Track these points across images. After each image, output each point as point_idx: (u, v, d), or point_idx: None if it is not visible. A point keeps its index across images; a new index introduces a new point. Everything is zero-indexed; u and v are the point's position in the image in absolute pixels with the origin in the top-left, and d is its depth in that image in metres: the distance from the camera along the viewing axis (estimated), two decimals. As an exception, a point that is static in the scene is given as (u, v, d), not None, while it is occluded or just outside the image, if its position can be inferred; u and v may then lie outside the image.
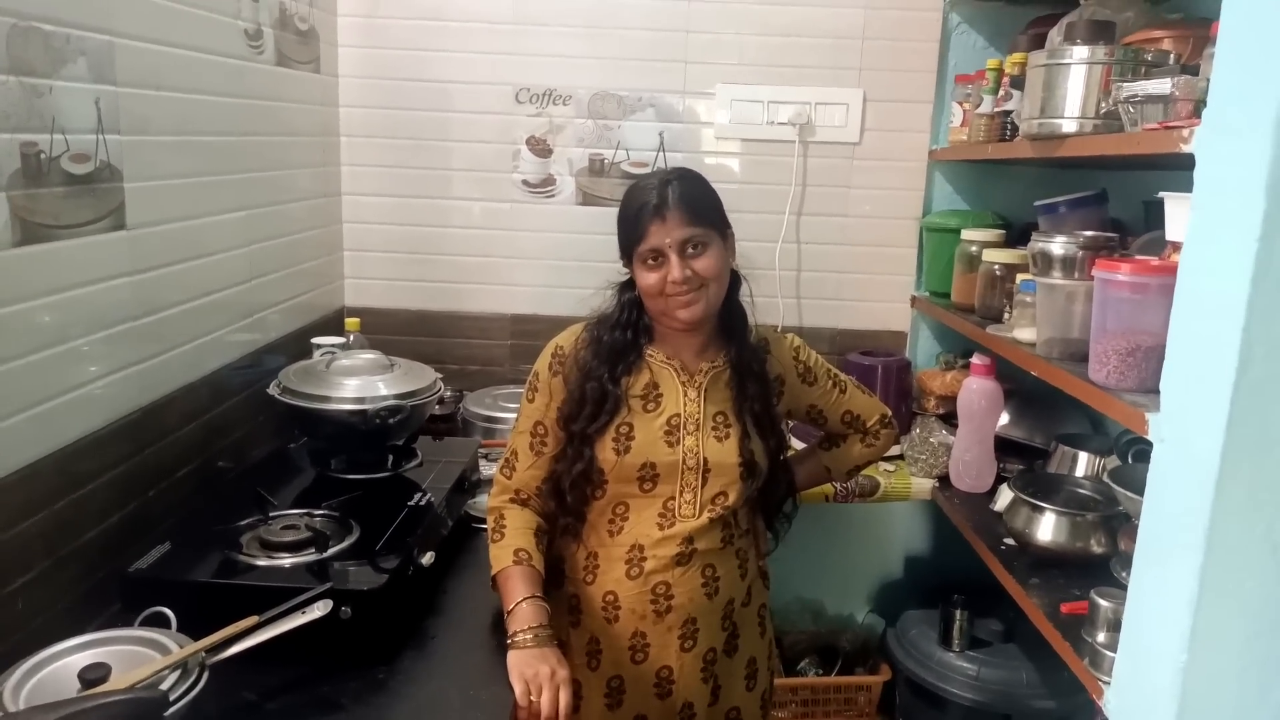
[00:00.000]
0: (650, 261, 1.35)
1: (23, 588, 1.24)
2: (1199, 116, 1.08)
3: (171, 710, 1.03)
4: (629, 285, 1.43)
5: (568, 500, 1.39)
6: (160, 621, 1.22)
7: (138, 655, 1.12)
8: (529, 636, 1.25)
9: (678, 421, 1.38)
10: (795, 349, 1.51)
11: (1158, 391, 1.11)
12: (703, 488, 1.37)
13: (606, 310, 1.45)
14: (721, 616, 1.41)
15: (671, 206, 1.33)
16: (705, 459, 1.37)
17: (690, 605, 1.37)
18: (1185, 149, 1.06)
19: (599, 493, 1.39)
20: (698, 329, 1.40)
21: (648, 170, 2.38)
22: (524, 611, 1.28)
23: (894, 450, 2.23)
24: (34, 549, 1.26)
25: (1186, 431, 1.05)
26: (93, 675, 1.06)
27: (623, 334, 1.41)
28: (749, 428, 1.41)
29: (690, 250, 1.34)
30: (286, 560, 1.38)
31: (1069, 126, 1.49)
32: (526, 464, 1.42)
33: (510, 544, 1.36)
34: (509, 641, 1.26)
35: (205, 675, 1.11)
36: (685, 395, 1.40)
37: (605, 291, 1.46)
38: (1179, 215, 1.20)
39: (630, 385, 1.39)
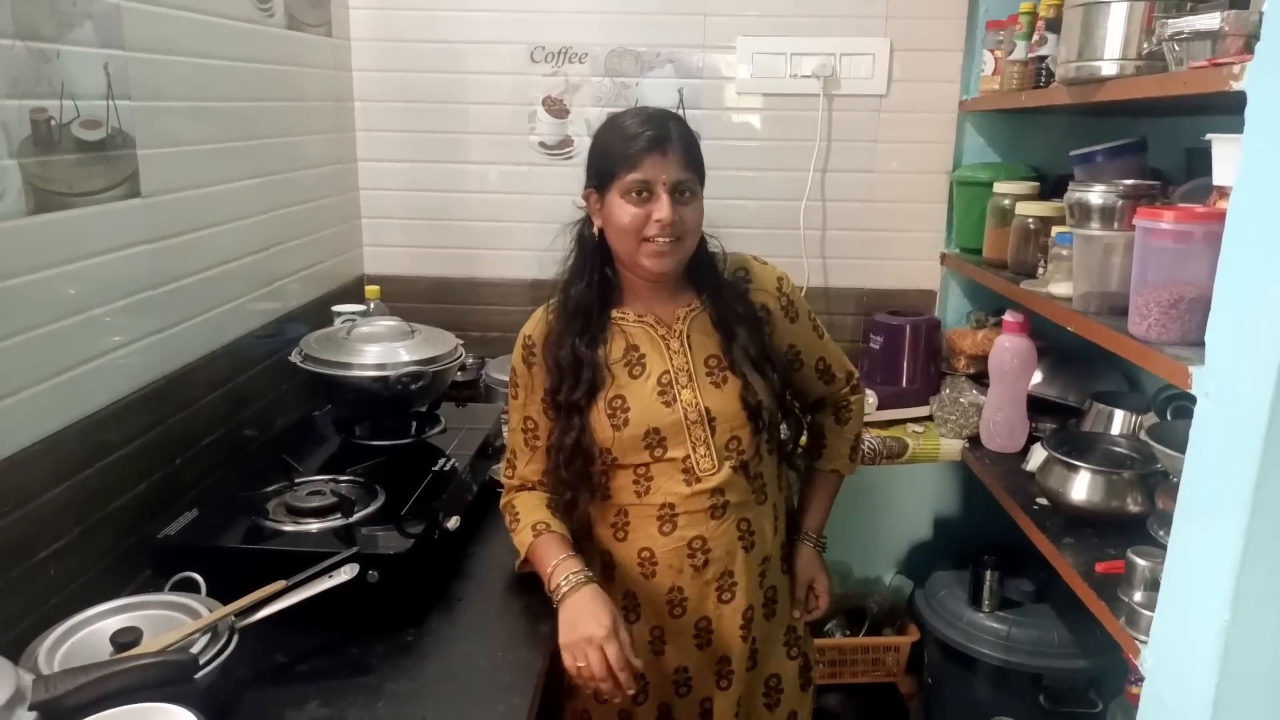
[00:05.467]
0: (635, 194, 1.26)
1: (54, 555, 1.25)
2: (1250, 52, 1.02)
3: (202, 672, 1.04)
4: (587, 224, 1.35)
5: (563, 474, 1.35)
6: (190, 587, 1.23)
7: (169, 619, 1.14)
8: (566, 586, 1.25)
9: (669, 379, 1.34)
10: (779, 279, 1.43)
11: (1201, 344, 1.07)
12: (713, 438, 1.33)
13: (569, 266, 1.38)
14: (759, 573, 1.39)
15: (674, 142, 1.27)
16: (707, 409, 1.33)
17: (727, 558, 1.35)
18: (1236, 86, 1.00)
19: (610, 473, 1.35)
20: (663, 280, 1.35)
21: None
22: (560, 568, 1.27)
23: (923, 411, 2.20)
24: (63, 517, 1.27)
25: (1233, 385, 1.01)
26: (125, 639, 1.08)
27: (588, 289, 1.35)
28: (745, 372, 1.35)
29: (680, 196, 1.28)
30: (313, 525, 1.38)
31: (1109, 69, 1.43)
32: (525, 459, 1.41)
33: (528, 523, 1.35)
34: (556, 603, 1.26)
35: (235, 638, 1.12)
36: (669, 349, 1.35)
37: (562, 236, 1.38)
38: (1228, 158, 1.15)
39: (608, 353, 1.35)
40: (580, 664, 1.21)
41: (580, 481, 1.36)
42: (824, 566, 1.54)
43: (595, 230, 1.34)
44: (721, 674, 1.40)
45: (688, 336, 1.36)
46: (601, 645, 1.20)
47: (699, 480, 1.33)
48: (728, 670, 1.40)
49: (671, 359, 1.34)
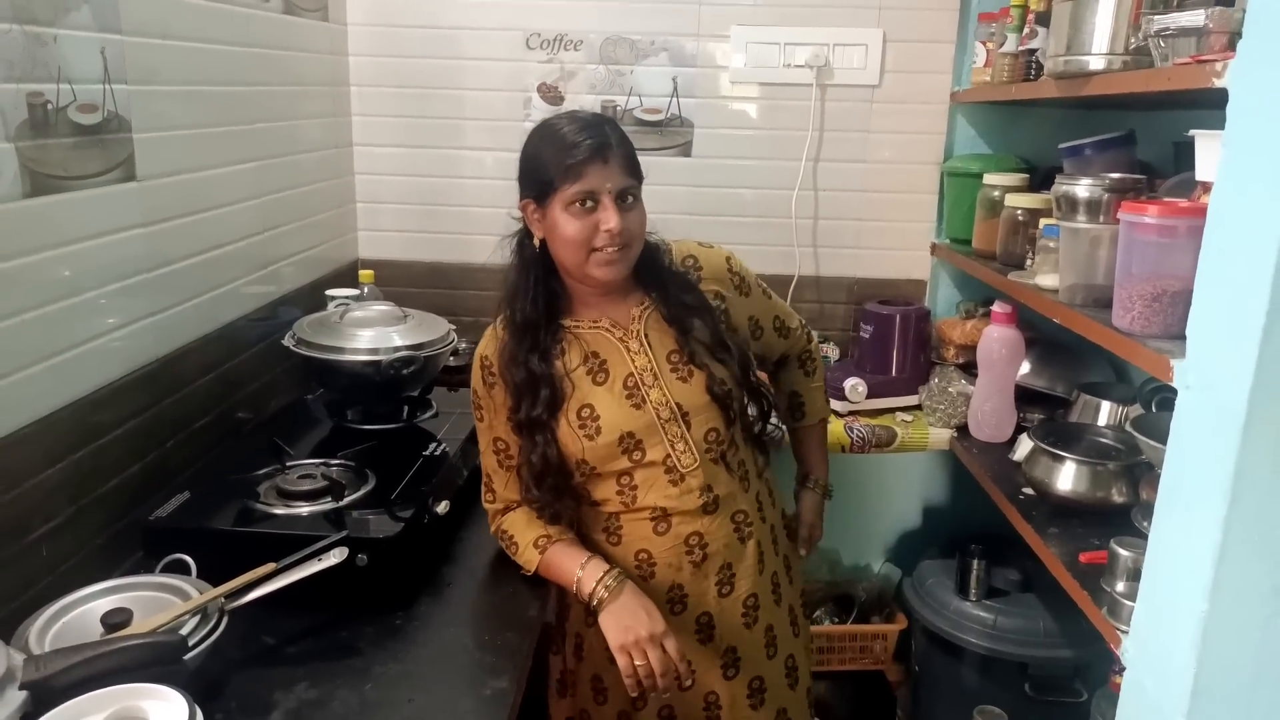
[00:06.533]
0: (580, 205, 1.23)
1: (46, 535, 1.26)
2: (1233, 49, 1.03)
3: (192, 654, 1.05)
4: (527, 235, 1.32)
5: (534, 493, 1.34)
6: (180, 568, 1.24)
7: (159, 601, 1.14)
8: (604, 592, 1.27)
9: (634, 380, 1.32)
10: (727, 259, 1.44)
11: (1184, 337, 1.08)
12: (689, 432, 1.33)
13: (510, 281, 1.35)
14: (756, 560, 1.40)
15: (614, 149, 1.24)
16: (678, 405, 1.32)
17: (725, 551, 1.36)
18: (1218, 83, 1.01)
19: (591, 483, 1.35)
20: (613, 286, 1.33)
21: (662, 117, 2.34)
22: (588, 573, 1.29)
23: (912, 400, 2.22)
24: (56, 498, 1.28)
25: (1213, 377, 1.02)
26: (115, 620, 1.09)
27: (533, 304, 1.32)
28: (707, 362, 1.35)
29: (624, 202, 1.25)
30: (304, 509, 1.39)
31: (1096, 64, 1.44)
32: (503, 481, 1.40)
33: (527, 541, 1.36)
34: (594, 606, 1.28)
35: (225, 620, 1.13)
36: (629, 350, 1.34)
37: (503, 248, 1.35)
38: (1209, 154, 1.16)
39: (567, 363, 1.33)
40: (640, 662, 1.23)
41: (556, 498, 1.35)
42: (821, 519, 1.63)
43: (536, 242, 1.31)
44: (729, 664, 1.39)
45: (646, 335, 1.34)
46: (661, 641, 1.24)
47: (684, 480, 1.33)
48: (735, 660, 1.39)
49: (633, 360, 1.33)
